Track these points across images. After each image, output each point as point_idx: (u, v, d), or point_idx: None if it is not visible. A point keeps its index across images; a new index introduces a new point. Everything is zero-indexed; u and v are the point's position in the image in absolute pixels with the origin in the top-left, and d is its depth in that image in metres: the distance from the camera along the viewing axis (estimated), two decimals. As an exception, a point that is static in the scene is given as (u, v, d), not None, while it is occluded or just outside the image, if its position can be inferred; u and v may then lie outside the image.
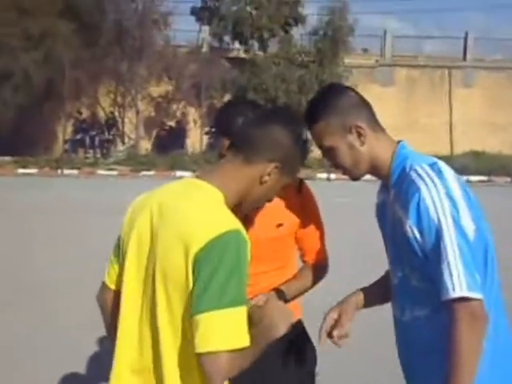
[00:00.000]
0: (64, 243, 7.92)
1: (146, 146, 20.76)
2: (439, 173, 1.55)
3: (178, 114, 21.40)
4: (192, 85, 20.27)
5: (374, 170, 1.68)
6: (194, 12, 21.11)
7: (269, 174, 1.48)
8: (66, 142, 19.68)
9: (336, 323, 1.76)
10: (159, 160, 18.28)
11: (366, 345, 3.97)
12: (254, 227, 1.93)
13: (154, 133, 21.39)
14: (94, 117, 20.87)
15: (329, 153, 1.67)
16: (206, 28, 21.06)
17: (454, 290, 1.44)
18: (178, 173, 16.81)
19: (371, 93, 20.74)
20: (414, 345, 1.64)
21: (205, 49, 20.93)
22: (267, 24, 19.61)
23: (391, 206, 1.64)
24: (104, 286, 1.55)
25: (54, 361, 4.07)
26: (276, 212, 1.95)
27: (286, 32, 20.36)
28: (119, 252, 1.52)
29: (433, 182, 1.52)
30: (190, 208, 1.37)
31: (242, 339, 1.28)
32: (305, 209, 2.01)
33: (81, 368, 3.96)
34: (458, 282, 1.44)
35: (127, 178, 16.64)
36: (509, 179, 16.36)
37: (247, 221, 1.93)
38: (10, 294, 5.59)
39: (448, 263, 1.45)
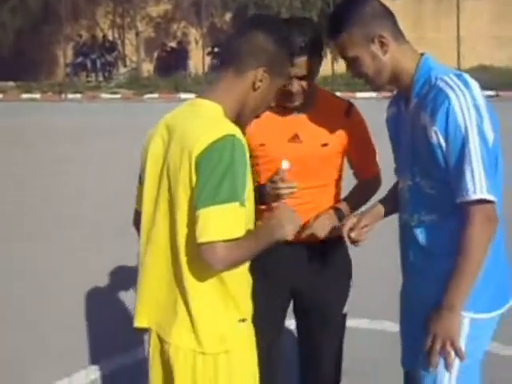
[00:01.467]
0: (73, 170, 8.02)
1: (147, 67, 20.45)
2: (466, 83, 1.61)
3: (179, 34, 20.91)
4: (191, 3, 19.67)
5: (396, 79, 1.73)
6: None
7: (260, 80, 1.58)
8: (67, 65, 19.40)
9: (355, 226, 1.88)
10: (162, 82, 18.07)
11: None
12: (301, 145, 2.04)
13: (155, 54, 20.99)
14: (93, 39, 20.43)
15: (352, 63, 1.71)
16: None
17: (474, 191, 1.54)
18: (183, 95, 16.66)
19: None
20: (419, 248, 1.73)
21: (204, -36, 20.15)
22: None
23: (411, 115, 1.70)
24: (135, 211, 1.71)
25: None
26: (323, 133, 2.04)
27: None
28: (140, 178, 1.67)
29: (461, 91, 1.59)
30: (193, 122, 1.51)
31: (236, 230, 1.42)
32: (353, 131, 2.08)
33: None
34: (479, 184, 1.54)
35: (131, 101, 16.53)
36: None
37: (295, 139, 2.04)
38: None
39: (471, 167, 1.55)
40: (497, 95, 15.04)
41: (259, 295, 2.11)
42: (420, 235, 1.72)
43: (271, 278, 2.11)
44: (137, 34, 20.11)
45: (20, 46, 17.63)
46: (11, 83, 17.63)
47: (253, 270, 2.14)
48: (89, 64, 19.81)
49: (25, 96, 16.91)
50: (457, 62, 18.02)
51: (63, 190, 6.83)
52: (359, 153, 2.12)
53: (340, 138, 2.06)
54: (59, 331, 3.45)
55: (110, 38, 20.56)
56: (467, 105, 1.57)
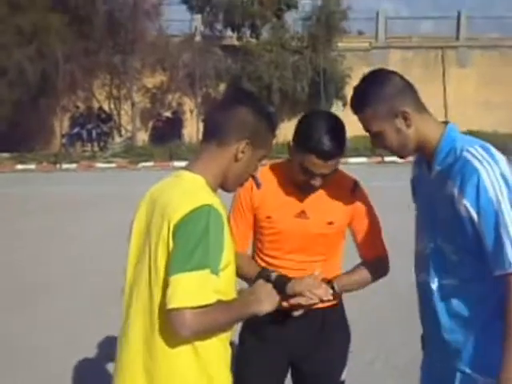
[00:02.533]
0: (66, 238, 7.99)
1: (142, 137, 20.76)
2: (492, 155, 1.66)
3: (174, 104, 21.37)
4: (186, 75, 20.22)
5: (421, 148, 1.78)
6: (185, 1, 21.02)
7: (242, 152, 1.65)
8: (63, 136, 19.69)
9: None
10: (157, 151, 18.30)
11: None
12: (307, 221, 2.08)
13: (151, 124, 21.38)
14: (89, 110, 20.84)
15: (376, 136, 1.77)
16: (198, 17, 20.98)
17: None
18: (176, 163, 16.84)
19: (366, 76, 20.73)
20: (442, 311, 1.74)
21: (198, 38, 20.86)
22: (259, 10, 19.53)
23: (434, 181, 1.74)
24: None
25: (52, 359, 4.15)
26: (329, 210, 2.09)
27: (279, 18, 20.28)
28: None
29: (489, 163, 1.63)
30: (174, 193, 1.58)
31: (205, 297, 1.45)
32: (357, 209, 2.11)
33: (77, 365, 4.03)
34: None
35: (126, 170, 16.69)
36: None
37: (301, 215, 2.08)
38: (11, 293, 5.67)
39: (510, 239, 1.57)
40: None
41: (255, 362, 2.08)
42: (441, 298, 1.74)
43: (269, 345, 2.10)
44: (133, 105, 20.54)
45: (16, 117, 17.95)
46: (6, 154, 17.81)
47: (249, 336, 2.12)
48: (84, 134, 20.11)
49: (20, 167, 17.04)
50: (446, 128, 18.40)
51: (52, 257, 6.76)
52: (363, 232, 2.14)
53: (345, 215, 2.11)
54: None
55: (106, 108, 20.97)
56: (496, 178, 1.61)
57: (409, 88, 1.76)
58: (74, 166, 17.35)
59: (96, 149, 19.89)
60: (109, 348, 4.02)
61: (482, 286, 1.67)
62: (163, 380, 1.51)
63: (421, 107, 1.77)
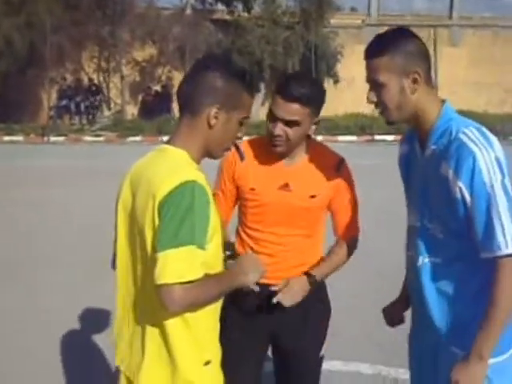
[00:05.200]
0: (53, 211, 7.95)
1: (131, 111, 20.60)
2: (487, 138, 1.65)
3: (164, 78, 21.18)
4: (176, 48, 20.01)
5: (415, 120, 1.74)
6: (176, -27, 20.69)
7: (215, 117, 1.61)
8: (50, 108, 19.48)
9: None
10: (146, 125, 18.19)
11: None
12: (290, 194, 2.08)
13: (140, 98, 21.20)
14: (78, 82, 20.60)
15: (377, 88, 1.71)
16: (189, -11, 20.69)
17: (506, 246, 1.58)
18: (165, 137, 16.70)
19: (358, 54, 20.63)
20: (426, 287, 1.76)
21: (188, 11, 20.59)
22: (251, -16, 19.30)
23: (427, 161, 1.72)
24: (113, 254, 1.74)
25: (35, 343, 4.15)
26: (312, 184, 2.09)
27: (271, -8, 20.05)
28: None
29: (484, 147, 1.62)
30: (157, 168, 1.57)
31: (193, 272, 1.45)
32: (341, 186, 2.11)
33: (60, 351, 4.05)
34: (510, 239, 1.59)
35: (114, 143, 16.58)
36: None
37: (285, 187, 2.08)
38: None
39: (501, 223, 1.59)
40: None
41: (236, 339, 2.11)
42: (423, 276, 1.77)
43: (249, 322, 2.12)
44: (122, 78, 20.32)
45: (4, 88, 17.70)
46: (-6, 125, 17.63)
47: (230, 313, 2.14)
48: (73, 107, 19.91)
49: (7, 138, 16.87)
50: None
51: (40, 231, 6.74)
52: (343, 210, 2.15)
53: (328, 190, 2.10)
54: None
55: (95, 81, 20.74)
56: (491, 161, 1.61)
57: (427, 57, 1.74)
58: (61, 138, 17.20)
59: (84, 122, 19.72)
60: (96, 319, 4.04)
61: (466, 266, 1.70)
62: (156, 353, 1.54)
63: (430, 80, 1.74)
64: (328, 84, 19.20)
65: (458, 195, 1.63)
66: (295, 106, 1.98)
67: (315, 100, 2.02)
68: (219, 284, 1.54)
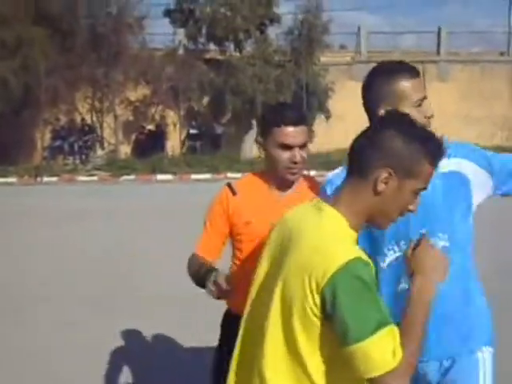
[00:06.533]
0: (48, 252, 7.88)
1: (125, 150, 20.66)
2: None
3: (157, 117, 21.32)
4: (169, 88, 20.22)
5: None
6: (168, 14, 21.05)
7: (385, 183, 1.38)
8: (44, 149, 19.52)
9: None
10: (139, 164, 18.20)
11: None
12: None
13: (133, 137, 21.29)
14: (71, 123, 20.71)
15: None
16: (181, 31, 21.02)
17: None
18: (159, 176, 16.77)
19: (349, 89, 20.90)
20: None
21: (181, 51, 20.89)
22: (242, 25, 19.63)
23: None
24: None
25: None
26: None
27: (262, 32, 20.40)
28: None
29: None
30: (314, 237, 1.38)
31: (397, 355, 1.30)
32: None
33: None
34: None
35: (108, 183, 16.56)
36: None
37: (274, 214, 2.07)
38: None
39: None
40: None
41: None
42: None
43: None
44: (115, 117, 20.45)
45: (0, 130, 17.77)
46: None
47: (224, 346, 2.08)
48: (66, 147, 19.96)
49: (1, 180, 16.84)
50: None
51: (37, 270, 6.66)
52: None
53: None
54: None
55: (89, 121, 20.86)
56: None
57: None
58: (55, 179, 17.17)
59: (78, 161, 19.74)
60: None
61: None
62: None
63: None
64: (320, 119, 19.41)
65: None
66: (303, 128, 2.07)
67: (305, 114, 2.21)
68: (416, 317, 1.35)
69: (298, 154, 2.04)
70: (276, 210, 2.05)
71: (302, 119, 2.07)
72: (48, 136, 20.16)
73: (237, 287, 1.99)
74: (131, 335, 4.52)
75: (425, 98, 1.78)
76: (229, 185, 2.17)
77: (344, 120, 18.60)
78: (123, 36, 19.80)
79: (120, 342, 4.40)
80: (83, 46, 19.04)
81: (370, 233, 1.74)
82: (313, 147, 17.37)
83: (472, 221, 1.84)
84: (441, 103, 20.88)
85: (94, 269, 6.70)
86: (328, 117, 19.65)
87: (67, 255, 7.56)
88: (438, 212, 1.74)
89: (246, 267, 2.11)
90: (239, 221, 2.09)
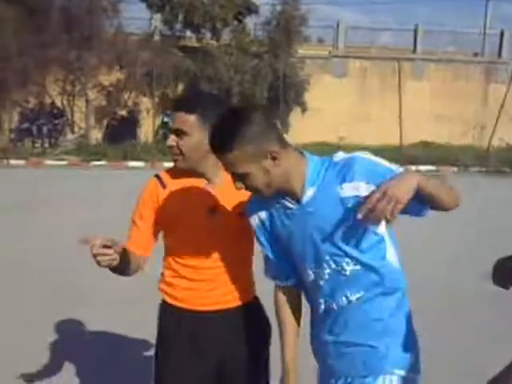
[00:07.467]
0: (12, 235, 7.69)
1: (96, 135, 20.32)
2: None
3: (130, 103, 21.02)
4: (144, 74, 19.93)
5: (285, 184, 1.74)
6: (144, -1, 20.70)
7: None
8: (11, 131, 19.07)
9: None
10: (111, 150, 17.92)
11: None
12: (218, 216, 2.07)
13: (105, 122, 20.94)
14: (41, 105, 20.25)
15: (242, 177, 1.71)
16: (157, 16, 20.72)
17: None
18: (131, 163, 16.54)
19: (325, 83, 20.92)
20: (358, 325, 1.80)
21: (157, 37, 20.59)
22: (219, 13, 19.44)
23: (315, 207, 1.72)
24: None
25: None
26: (238, 202, 2.06)
27: (239, 21, 20.24)
28: None
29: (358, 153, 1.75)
30: None
31: None
32: None
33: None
34: None
35: (77, 168, 16.26)
36: (456, 169, 16.81)
37: (213, 211, 2.05)
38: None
39: None
40: (437, 170, 15.68)
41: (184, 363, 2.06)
42: (355, 313, 1.85)
43: (202, 346, 2.07)
44: (87, 102, 20.08)
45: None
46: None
47: (179, 338, 2.07)
48: (35, 130, 19.52)
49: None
50: (399, 139, 18.76)
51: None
52: None
53: None
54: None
55: (59, 104, 20.43)
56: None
57: (272, 124, 1.72)
58: (22, 162, 16.80)
59: (46, 145, 19.33)
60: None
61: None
62: None
63: (284, 141, 1.74)
64: (296, 112, 19.37)
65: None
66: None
67: (200, 106, 2.00)
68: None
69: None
70: (206, 202, 2.06)
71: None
72: (16, 118, 19.69)
73: (172, 281, 2.08)
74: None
75: (233, 173, 1.76)
76: (157, 176, 2.12)
77: (319, 113, 18.62)
78: (97, 19, 19.40)
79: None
80: (56, 26, 18.59)
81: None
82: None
83: (386, 243, 1.78)
84: (415, 101, 21.07)
85: (60, 253, 6.55)
86: (304, 109, 19.64)
87: (29, 242, 7.38)
88: (343, 236, 1.73)
89: (178, 260, 2.08)
90: (170, 214, 2.05)
